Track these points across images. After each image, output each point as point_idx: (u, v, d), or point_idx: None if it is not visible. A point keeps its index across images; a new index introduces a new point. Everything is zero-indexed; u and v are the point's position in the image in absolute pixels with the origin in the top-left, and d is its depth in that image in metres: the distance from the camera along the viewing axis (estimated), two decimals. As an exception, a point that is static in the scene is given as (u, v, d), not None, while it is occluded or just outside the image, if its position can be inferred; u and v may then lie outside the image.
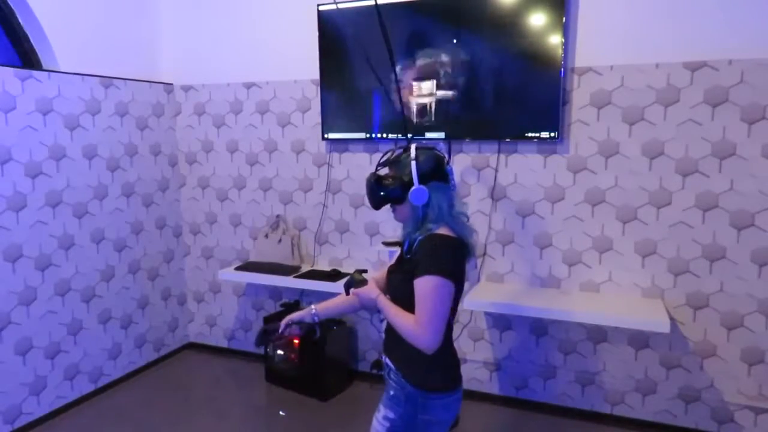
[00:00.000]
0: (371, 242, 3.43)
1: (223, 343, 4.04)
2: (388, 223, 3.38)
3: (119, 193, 3.53)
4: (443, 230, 1.65)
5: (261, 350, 3.70)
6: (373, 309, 1.75)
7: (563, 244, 3.04)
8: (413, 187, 1.63)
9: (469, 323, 3.28)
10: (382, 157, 1.78)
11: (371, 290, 1.75)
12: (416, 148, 1.69)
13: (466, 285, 3.23)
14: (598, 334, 3.02)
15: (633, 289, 2.93)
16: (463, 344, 3.32)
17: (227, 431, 3.06)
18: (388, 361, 1.78)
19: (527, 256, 3.12)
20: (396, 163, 1.70)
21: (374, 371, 3.47)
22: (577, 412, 3.12)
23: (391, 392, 1.75)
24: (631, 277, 2.92)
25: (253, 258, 3.80)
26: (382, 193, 1.70)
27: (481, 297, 2.98)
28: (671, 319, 2.71)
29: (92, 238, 3.36)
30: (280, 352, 3.52)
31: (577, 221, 2.99)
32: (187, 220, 4.03)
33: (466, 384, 3.34)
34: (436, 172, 1.66)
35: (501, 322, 3.22)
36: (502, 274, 3.19)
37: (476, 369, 3.32)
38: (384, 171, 1.74)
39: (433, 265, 1.58)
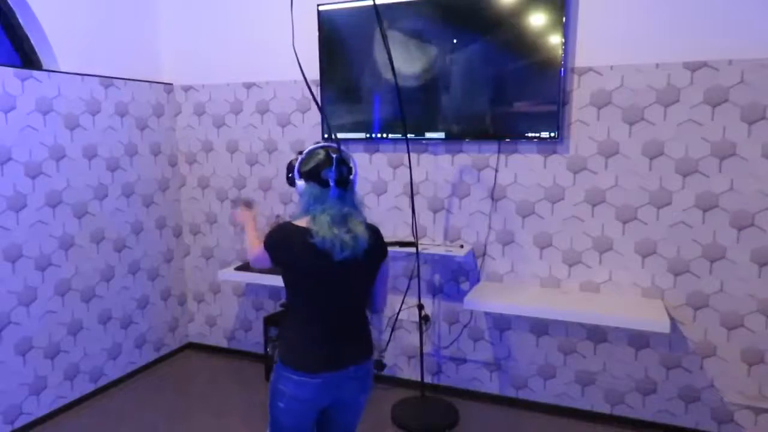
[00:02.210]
0: (371, 242, 3.43)
1: (223, 343, 4.05)
2: (388, 223, 3.38)
3: (119, 193, 3.53)
4: (303, 221, 1.81)
5: (261, 350, 3.70)
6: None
7: (563, 244, 3.04)
8: (297, 180, 1.87)
9: (469, 323, 3.28)
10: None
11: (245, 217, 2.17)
12: (313, 148, 1.85)
13: (466, 285, 3.25)
14: (598, 334, 3.02)
15: (633, 289, 2.93)
16: (463, 344, 3.32)
17: (227, 431, 3.06)
18: None
19: (527, 256, 3.12)
20: (301, 154, 1.89)
21: (374, 371, 3.47)
22: (577, 412, 3.12)
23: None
24: (631, 277, 2.92)
25: (253, 258, 3.80)
26: (289, 175, 1.91)
27: (481, 297, 2.99)
28: (671, 319, 2.72)
29: (92, 238, 3.36)
30: (280, 352, 3.53)
31: (577, 221, 2.99)
32: (187, 220, 4.03)
33: (466, 384, 3.35)
34: (312, 174, 1.82)
35: (501, 322, 3.22)
36: (502, 274, 3.19)
37: (476, 369, 3.32)
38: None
39: (265, 236, 1.89)
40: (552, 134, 2.89)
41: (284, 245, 1.82)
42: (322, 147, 1.86)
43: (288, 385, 1.82)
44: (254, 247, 1.99)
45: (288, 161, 1.96)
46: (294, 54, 2.16)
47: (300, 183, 1.84)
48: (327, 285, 1.82)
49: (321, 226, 1.76)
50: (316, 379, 1.81)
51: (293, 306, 1.88)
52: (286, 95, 3.57)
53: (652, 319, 2.64)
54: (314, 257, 1.76)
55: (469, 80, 3.04)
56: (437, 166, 3.25)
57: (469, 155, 3.17)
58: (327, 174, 1.80)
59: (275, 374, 1.87)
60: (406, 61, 3.11)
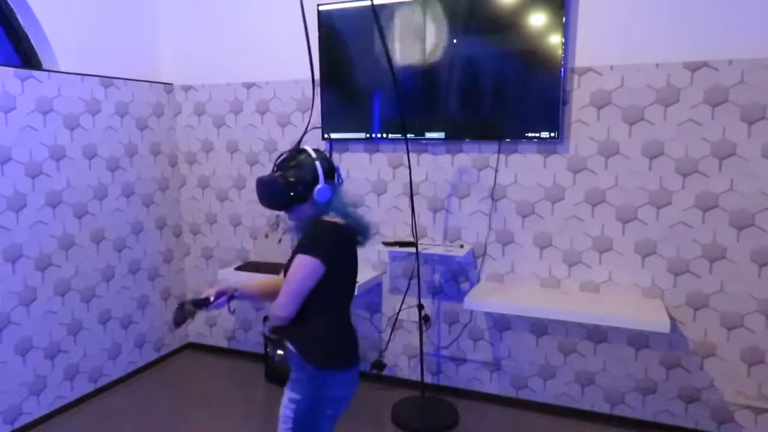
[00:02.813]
0: (371, 242, 3.42)
1: (223, 343, 4.05)
2: (388, 223, 3.38)
3: (119, 193, 3.53)
4: (332, 219, 1.80)
5: (261, 350, 3.70)
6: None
7: (563, 244, 3.04)
8: (318, 186, 1.78)
9: (469, 323, 3.28)
10: (278, 159, 1.86)
11: (227, 287, 1.84)
12: (315, 152, 1.83)
13: (466, 285, 3.25)
14: (598, 334, 3.02)
15: (633, 289, 2.93)
16: (463, 344, 3.32)
17: (227, 431, 3.06)
18: (289, 345, 1.86)
19: (527, 256, 3.12)
20: (297, 165, 1.80)
21: (374, 371, 3.47)
22: (577, 412, 3.12)
23: (294, 375, 1.85)
24: (631, 277, 2.92)
25: (253, 258, 3.80)
26: (291, 194, 1.79)
27: (481, 297, 2.99)
28: (671, 319, 2.72)
29: (92, 238, 3.36)
30: (279, 351, 3.53)
31: (577, 221, 2.99)
32: (187, 220, 4.03)
33: (466, 384, 3.35)
34: (332, 172, 1.84)
35: (501, 322, 3.22)
36: (502, 274, 3.19)
37: (476, 369, 3.32)
38: (281, 173, 1.81)
39: (310, 245, 1.75)
40: (552, 134, 2.89)
41: (341, 245, 1.80)
42: (313, 150, 1.84)
43: (335, 388, 1.80)
44: (289, 280, 1.75)
45: (274, 181, 1.79)
46: (307, 50, 2.12)
47: (326, 186, 1.79)
48: (354, 276, 1.89)
49: (358, 216, 1.85)
50: (354, 371, 1.85)
51: (320, 307, 1.79)
52: (286, 95, 3.57)
53: (652, 319, 2.64)
54: (354, 249, 1.84)
55: (469, 80, 3.04)
56: (437, 166, 3.25)
57: (469, 155, 3.17)
58: (337, 167, 1.86)
59: (316, 382, 1.79)
60: (405, 61, 3.11)
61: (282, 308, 1.76)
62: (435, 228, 3.30)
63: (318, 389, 1.79)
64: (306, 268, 1.73)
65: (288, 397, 1.84)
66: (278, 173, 1.81)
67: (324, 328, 1.83)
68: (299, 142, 1.89)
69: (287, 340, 1.88)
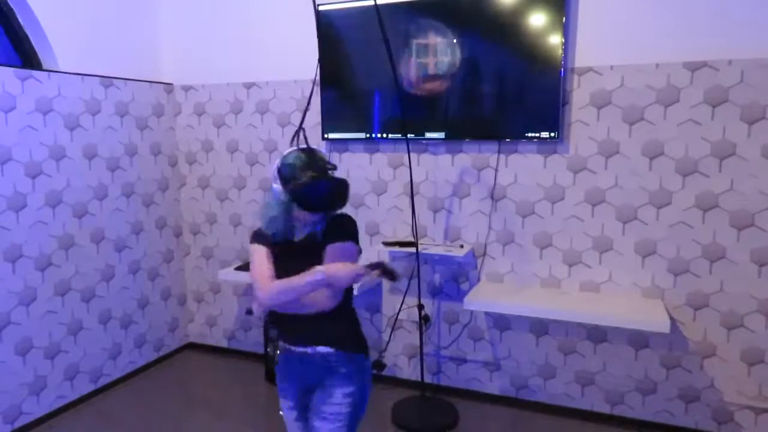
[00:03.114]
0: (371, 242, 3.43)
1: (223, 343, 4.05)
2: (388, 223, 3.38)
3: (119, 193, 3.53)
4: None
5: (261, 350, 3.70)
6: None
7: (563, 244, 3.04)
8: None
9: (469, 323, 3.28)
10: (326, 163, 1.85)
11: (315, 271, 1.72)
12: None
13: (466, 285, 3.26)
14: (598, 334, 3.02)
15: (633, 289, 2.93)
16: (463, 344, 3.32)
17: (227, 431, 3.06)
18: (319, 349, 1.85)
19: (527, 256, 3.12)
20: (332, 167, 1.86)
21: (374, 371, 3.47)
22: (577, 412, 3.12)
23: (343, 370, 1.85)
24: (631, 277, 2.92)
25: (253, 258, 3.80)
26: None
27: (481, 297, 2.99)
28: (671, 319, 2.72)
29: (92, 238, 3.36)
30: (280, 352, 3.52)
31: (577, 221, 3.00)
32: (187, 220, 4.03)
33: (466, 384, 3.35)
34: None
35: (501, 322, 3.22)
36: (502, 274, 3.19)
37: (476, 369, 3.32)
38: (334, 173, 1.87)
39: (351, 236, 1.83)
40: (552, 134, 2.89)
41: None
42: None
43: (370, 370, 1.98)
44: (345, 263, 1.72)
45: (344, 186, 1.85)
46: (319, 50, 2.13)
47: None
48: None
49: None
50: None
51: (348, 298, 1.91)
52: (286, 95, 3.57)
53: (652, 319, 2.64)
54: None
55: (470, 80, 3.04)
56: (437, 166, 3.25)
57: (469, 155, 3.17)
58: None
59: (364, 369, 1.91)
60: (406, 60, 3.11)
61: (335, 297, 1.77)
62: (435, 228, 3.30)
63: (367, 375, 1.93)
64: (354, 254, 1.81)
65: (342, 394, 1.84)
66: (334, 173, 1.86)
67: (355, 317, 1.99)
68: (294, 140, 1.91)
69: (317, 345, 1.85)
